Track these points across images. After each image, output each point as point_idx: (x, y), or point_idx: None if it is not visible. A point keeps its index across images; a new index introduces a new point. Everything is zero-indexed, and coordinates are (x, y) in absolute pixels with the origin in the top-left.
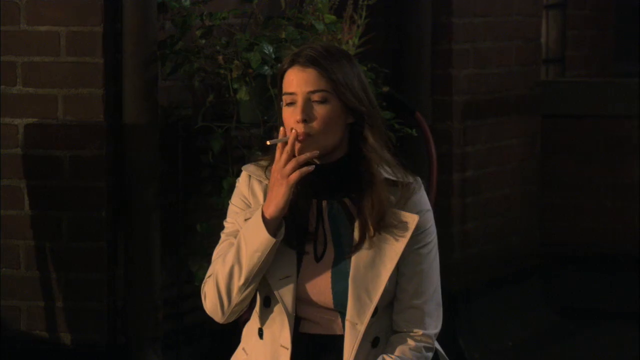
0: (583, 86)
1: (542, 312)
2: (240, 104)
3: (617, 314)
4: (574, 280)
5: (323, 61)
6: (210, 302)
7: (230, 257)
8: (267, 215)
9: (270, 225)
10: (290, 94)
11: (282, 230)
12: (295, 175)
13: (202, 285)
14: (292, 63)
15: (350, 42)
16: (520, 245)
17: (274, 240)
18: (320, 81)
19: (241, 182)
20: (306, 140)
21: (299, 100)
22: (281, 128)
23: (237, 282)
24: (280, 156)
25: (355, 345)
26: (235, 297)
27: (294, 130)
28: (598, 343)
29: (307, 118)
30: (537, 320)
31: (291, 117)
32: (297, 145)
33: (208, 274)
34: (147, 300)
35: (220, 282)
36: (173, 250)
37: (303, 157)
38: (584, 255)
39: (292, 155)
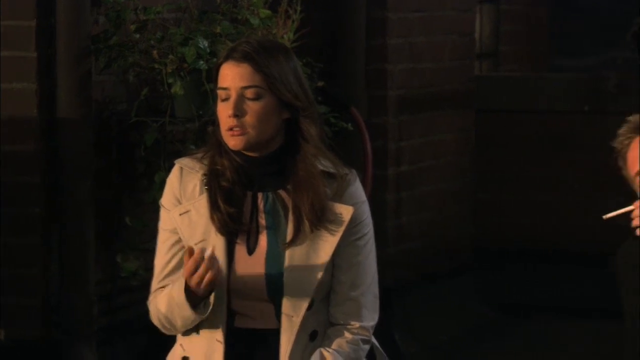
0: (516, 81)
1: (477, 307)
2: (175, 99)
3: (551, 308)
4: (508, 275)
5: (258, 56)
6: (157, 324)
7: (165, 310)
8: (192, 291)
9: (195, 301)
10: (224, 89)
11: (209, 305)
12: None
13: (148, 301)
14: (227, 58)
15: (286, 37)
16: (455, 240)
17: (199, 316)
18: (254, 77)
19: (172, 178)
20: (239, 135)
21: (232, 96)
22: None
23: (178, 329)
24: (192, 270)
25: (292, 338)
26: (180, 330)
27: (208, 251)
28: (532, 338)
29: (238, 113)
30: (472, 314)
31: (224, 112)
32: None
33: (152, 292)
34: (82, 296)
35: (164, 323)
36: (107, 245)
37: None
38: (518, 250)
39: (201, 275)
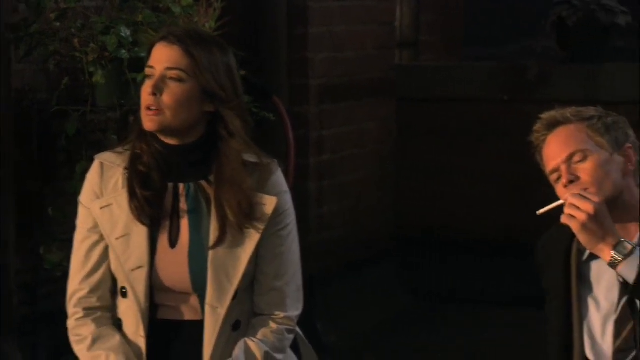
0: (437, 70)
1: (398, 295)
2: (97, 88)
3: (471, 296)
4: (429, 263)
5: (190, 42)
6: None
7: None
8: None
9: None
10: (151, 67)
11: None
12: None
13: (68, 311)
14: (161, 38)
15: (207, 25)
16: (376, 229)
17: None
18: (181, 60)
19: (91, 174)
20: (155, 115)
21: (156, 75)
22: None
23: None
24: None
25: (217, 329)
26: None
27: None
28: (453, 325)
29: (156, 91)
30: (393, 303)
31: (145, 90)
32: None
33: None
34: (2, 286)
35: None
36: (29, 235)
37: None
38: (439, 239)
39: None
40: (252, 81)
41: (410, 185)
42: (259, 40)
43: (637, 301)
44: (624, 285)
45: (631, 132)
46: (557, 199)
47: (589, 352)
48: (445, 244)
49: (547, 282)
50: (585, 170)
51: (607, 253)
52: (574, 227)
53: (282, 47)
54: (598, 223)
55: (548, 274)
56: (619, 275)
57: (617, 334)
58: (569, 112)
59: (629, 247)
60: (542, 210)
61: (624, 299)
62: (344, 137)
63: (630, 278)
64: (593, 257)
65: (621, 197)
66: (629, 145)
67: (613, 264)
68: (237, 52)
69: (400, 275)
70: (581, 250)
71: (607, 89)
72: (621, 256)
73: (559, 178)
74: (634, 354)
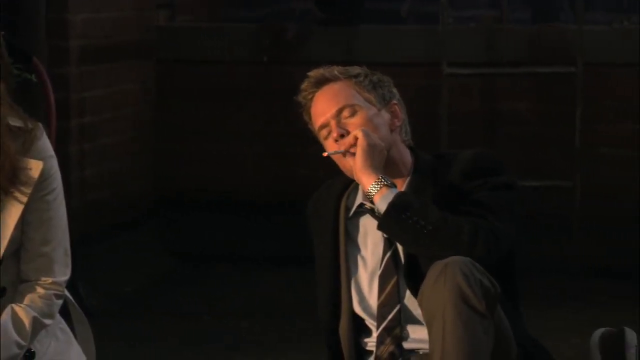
0: (196, 31)
1: (159, 257)
2: None
3: (231, 256)
4: (191, 225)
5: None
6: None
7: None
8: None
9: None
10: None
11: None
12: None
13: None
14: None
15: None
16: (137, 191)
17: None
18: None
19: None
20: None
21: None
22: None
23: None
24: None
25: None
26: None
27: None
28: (214, 286)
29: None
30: (154, 265)
31: None
32: None
33: None
34: None
35: None
36: None
37: None
38: (202, 201)
39: None
40: (11, 42)
41: (172, 147)
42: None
43: (401, 256)
44: (388, 241)
45: (395, 91)
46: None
47: (357, 308)
48: (208, 206)
49: (316, 240)
50: (354, 124)
51: (369, 182)
52: (359, 143)
53: (41, 7)
54: (376, 153)
55: (317, 232)
56: (377, 211)
57: (381, 289)
58: (336, 69)
59: (389, 183)
60: (327, 153)
61: (388, 254)
62: (105, 99)
63: (382, 209)
64: (360, 214)
65: (389, 153)
66: (394, 102)
67: (370, 194)
68: None
69: (162, 237)
70: (349, 207)
71: (364, 50)
72: (379, 187)
73: (329, 134)
74: (398, 307)
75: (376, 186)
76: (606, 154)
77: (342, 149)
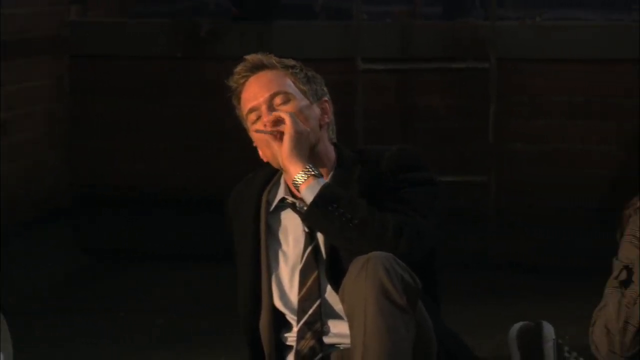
0: (110, 26)
1: (74, 254)
2: None
3: (146, 254)
4: (106, 222)
5: None
6: None
7: None
8: None
9: None
10: None
11: None
12: None
13: None
14: None
15: None
16: (51, 187)
17: None
18: None
19: None
20: None
21: None
22: None
23: None
24: None
25: None
26: None
27: None
28: (128, 283)
29: None
30: (68, 262)
31: None
32: None
33: None
34: None
35: None
36: None
37: None
38: (115, 197)
39: None
40: None
41: (86, 143)
42: None
43: (322, 251)
44: (310, 236)
45: (326, 90)
46: (248, 147)
47: (277, 302)
48: (124, 202)
49: (236, 235)
50: (286, 111)
51: (296, 170)
52: (287, 129)
53: None
54: (302, 140)
55: (237, 227)
56: (299, 205)
57: (302, 284)
58: (273, 58)
59: (316, 173)
60: (256, 131)
61: (309, 249)
62: (19, 95)
63: (308, 200)
64: (281, 208)
65: (316, 148)
66: (325, 99)
67: (297, 183)
68: None
69: (75, 233)
70: (270, 202)
71: (278, 46)
72: (306, 177)
73: (258, 118)
74: (318, 302)
75: (303, 175)
76: (520, 149)
77: (269, 128)
